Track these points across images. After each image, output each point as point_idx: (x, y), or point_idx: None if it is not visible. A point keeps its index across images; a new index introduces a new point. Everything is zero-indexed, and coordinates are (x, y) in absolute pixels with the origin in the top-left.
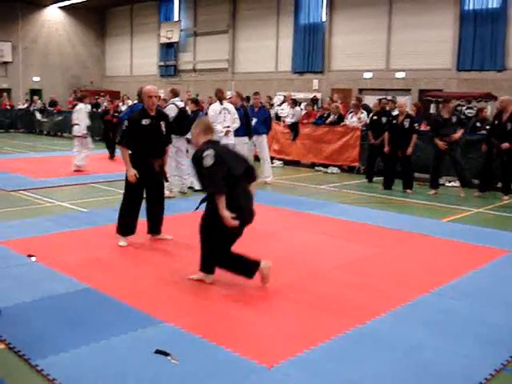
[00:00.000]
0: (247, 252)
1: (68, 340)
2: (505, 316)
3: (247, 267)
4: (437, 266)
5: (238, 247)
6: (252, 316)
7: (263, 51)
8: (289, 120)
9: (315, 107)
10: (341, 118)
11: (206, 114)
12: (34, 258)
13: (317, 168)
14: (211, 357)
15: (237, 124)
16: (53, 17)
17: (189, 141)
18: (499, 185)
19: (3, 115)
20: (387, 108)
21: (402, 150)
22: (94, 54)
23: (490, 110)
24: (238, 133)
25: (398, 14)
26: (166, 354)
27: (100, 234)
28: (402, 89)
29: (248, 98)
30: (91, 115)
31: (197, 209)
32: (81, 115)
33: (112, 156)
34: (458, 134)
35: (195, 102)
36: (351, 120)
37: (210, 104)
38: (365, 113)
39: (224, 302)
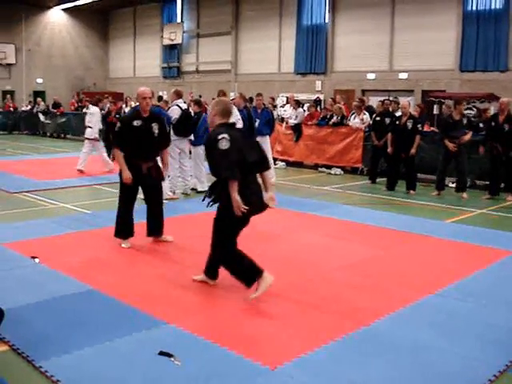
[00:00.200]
0: (248, 253)
1: (71, 341)
2: (509, 317)
3: (250, 271)
4: (440, 267)
5: (239, 248)
6: (255, 317)
7: (266, 52)
8: (292, 121)
9: (318, 108)
10: (344, 119)
11: None
12: (37, 260)
13: (320, 169)
14: (214, 358)
15: (240, 125)
16: (56, 19)
17: (192, 142)
18: (501, 185)
19: (7, 117)
20: (390, 109)
21: (406, 151)
22: (97, 55)
23: (492, 110)
24: None
25: (400, 14)
26: (169, 355)
27: (103, 236)
28: (405, 90)
29: (251, 99)
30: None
31: (209, 205)
32: (94, 118)
33: (113, 158)
34: (468, 136)
35: (198, 103)
36: (354, 121)
37: None
38: (367, 114)
39: (227, 303)
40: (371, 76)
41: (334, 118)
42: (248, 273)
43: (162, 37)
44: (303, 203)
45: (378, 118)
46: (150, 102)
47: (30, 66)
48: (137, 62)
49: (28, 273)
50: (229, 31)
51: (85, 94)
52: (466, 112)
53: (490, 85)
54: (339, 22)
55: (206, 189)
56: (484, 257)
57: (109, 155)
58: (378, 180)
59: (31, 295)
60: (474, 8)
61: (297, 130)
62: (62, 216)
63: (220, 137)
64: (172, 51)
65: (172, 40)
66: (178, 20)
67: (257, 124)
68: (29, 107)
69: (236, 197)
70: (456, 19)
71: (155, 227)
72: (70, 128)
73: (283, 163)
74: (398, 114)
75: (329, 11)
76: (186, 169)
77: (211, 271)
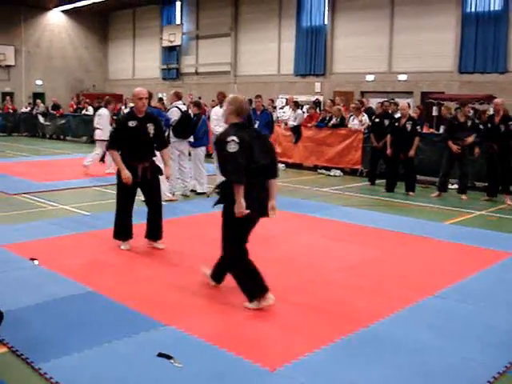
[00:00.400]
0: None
1: (71, 343)
2: (509, 318)
3: (255, 286)
4: (439, 269)
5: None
6: (255, 319)
7: (265, 54)
8: (291, 123)
9: (317, 110)
10: (343, 121)
11: (209, 117)
12: (36, 262)
13: (319, 171)
14: (214, 360)
15: None
16: (56, 20)
17: (191, 144)
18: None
19: (6, 119)
20: (389, 110)
21: (405, 152)
22: (96, 57)
23: (491, 112)
24: None
25: (399, 16)
26: (168, 357)
27: (103, 238)
28: (404, 91)
29: (250, 101)
30: (93, 119)
31: (214, 205)
32: (103, 120)
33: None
34: (471, 138)
35: (197, 105)
36: (352, 123)
37: (213, 107)
38: (366, 116)
39: (226, 305)
40: (370, 78)
41: (334, 119)
42: (253, 288)
43: (161, 38)
44: (302, 205)
45: (377, 120)
46: (146, 103)
47: (30, 67)
48: (136, 64)
49: (27, 275)
50: (228, 33)
51: (84, 95)
52: None
53: (488, 86)
54: (338, 24)
55: (206, 190)
56: (483, 258)
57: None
58: (377, 181)
59: (30, 297)
60: (473, 10)
61: (296, 131)
62: (61, 218)
63: (229, 139)
64: (171, 53)
65: (171, 42)
66: (178, 22)
67: (256, 126)
68: (28, 109)
69: (241, 201)
70: (455, 21)
71: (151, 231)
72: (69, 130)
73: (283, 165)
74: (397, 115)
75: (328, 13)
76: (185, 170)
77: (217, 276)
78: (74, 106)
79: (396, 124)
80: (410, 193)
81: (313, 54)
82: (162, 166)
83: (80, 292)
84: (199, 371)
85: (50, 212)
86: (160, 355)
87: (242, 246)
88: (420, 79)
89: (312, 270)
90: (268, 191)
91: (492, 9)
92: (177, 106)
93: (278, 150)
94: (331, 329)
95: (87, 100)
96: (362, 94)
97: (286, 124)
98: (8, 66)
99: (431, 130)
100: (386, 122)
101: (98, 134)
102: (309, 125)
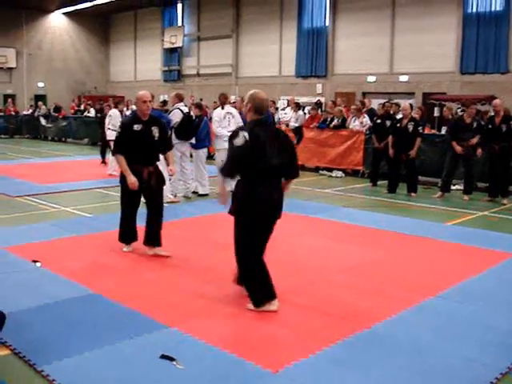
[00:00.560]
0: None
1: (73, 345)
2: (510, 319)
3: (264, 293)
4: (441, 270)
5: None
6: (257, 321)
7: (267, 55)
8: (292, 124)
9: (320, 110)
10: (344, 122)
11: (210, 118)
12: (38, 264)
13: (321, 172)
14: (216, 361)
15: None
16: (57, 23)
17: (193, 145)
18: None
19: (8, 121)
20: (391, 111)
21: (406, 153)
22: (97, 59)
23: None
24: None
25: (400, 17)
26: (171, 358)
27: (104, 240)
28: (406, 92)
29: None
30: (95, 121)
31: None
32: (114, 121)
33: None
34: (475, 139)
35: (199, 106)
36: (354, 124)
37: (215, 109)
38: (367, 117)
39: (228, 306)
40: (372, 79)
41: (335, 120)
42: (262, 293)
43: (162, 40)
44: (304, 206)
45: (378, 121)
46: (150, 106)
47: (31, 69)
48: (138, 66)
49: (29, 277)
50: (229, 34)
51: (86, 97)
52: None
53: (490, 87)
54: (340, 25)
55: (208, 192)
56: (485, 259)
57: (103, 158)
58: (379, 182)
59: (32, 299)
60: (474, 10)
61: (297, 132)
62: (63, 220)
63: (240, 133)
64: (173, 55)
65: (173, 43)
66: (179, 23)
67: None
68: (30, 111)
69: (225, 188)
70: (456, 21)
71: (150, 235)
72: (71, 132)
73: None
74: (399, 116)
75: (329, 14)
76: (187, 172)
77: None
78: (75, 108)
79: (398, 125)
80: (412, 194)
81: (314, 55)
82: (162, 168)
83: (82, 294)
84: (201, 373)
85: (51, 214)
86: (162, 357)
87: (259, 257)
88: (421, 80)
89: (313, 271)
90: (282, 191)
91: (493, 9)
92: (179, 108)
93: None
94: (333, 330)
95: (89, 102)
96: (364, 95)
97: (287, 125)
98: (10, 69)
99: (433, 131)
100: (388, 123)
101: (109, 135)
102: (310, 126)
